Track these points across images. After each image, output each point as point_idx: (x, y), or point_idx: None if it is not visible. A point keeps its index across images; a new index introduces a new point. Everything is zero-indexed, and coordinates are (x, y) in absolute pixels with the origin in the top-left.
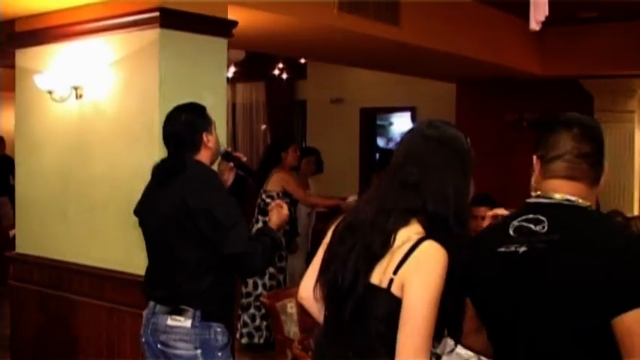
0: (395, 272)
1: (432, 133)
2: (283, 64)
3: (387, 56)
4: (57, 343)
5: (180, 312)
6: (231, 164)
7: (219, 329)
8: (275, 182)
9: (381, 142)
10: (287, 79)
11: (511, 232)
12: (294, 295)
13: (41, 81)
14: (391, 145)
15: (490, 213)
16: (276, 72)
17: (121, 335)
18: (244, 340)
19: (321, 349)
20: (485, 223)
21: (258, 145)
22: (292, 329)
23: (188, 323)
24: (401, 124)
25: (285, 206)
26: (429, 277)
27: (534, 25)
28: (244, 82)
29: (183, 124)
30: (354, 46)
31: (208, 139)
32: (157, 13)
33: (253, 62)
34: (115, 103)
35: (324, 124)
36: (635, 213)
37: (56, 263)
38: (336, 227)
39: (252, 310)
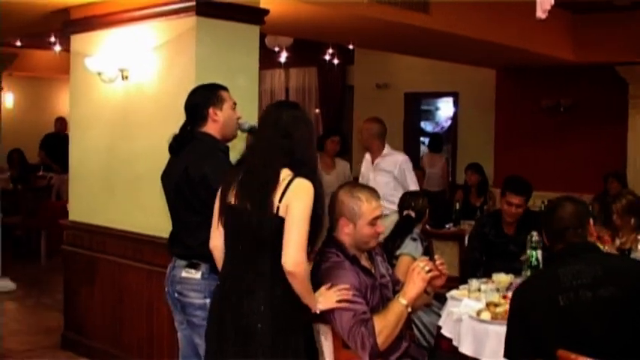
0: (280, 200)
1: (292, 112)
2: (333, 49)
3: (419, 43)
4: (104, 301)
5: (193, 266)
6: None
7: None
8: None
9: (429, 126)
10: (338, 64)
11: None
12: None
13: (91, 63)
14: (438, 129)
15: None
16: (327, 57)
17: (158, 294)
18: None
19: (224, 276)
20: None
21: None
22: None
23: (198, 275)
24: (447, 109)
25: None
26: (304, 198)
27: (540, 13)
28: (297, 67)
29: (194, 100)
30: (387, 33)
31: (216, 114)
32: (193, 3)
33: (305, 48)
34: (157, 84)
35: (370, 109)
36: None
37: (103, 230)
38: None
39: None
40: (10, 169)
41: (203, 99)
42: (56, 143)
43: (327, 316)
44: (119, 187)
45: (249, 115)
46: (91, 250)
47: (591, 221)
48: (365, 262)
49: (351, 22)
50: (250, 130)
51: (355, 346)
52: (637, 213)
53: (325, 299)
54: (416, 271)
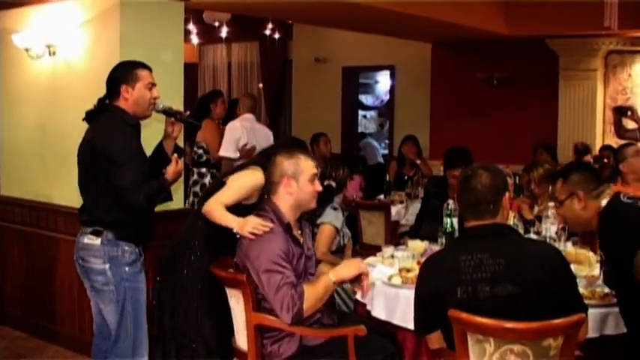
0: None
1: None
2: (273, 24)
3: (356, 18)
4: (36, 275)
5: (95, 233)
6: (172, 119)
7: (127, 248)
8: (200, 133)
9: (369, 99)
10: (279, 38)
11: None
12: None
13: (19, 39)
14: (377, 103)
15: None
16: (268, 32)
17: None
18: None
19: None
20: None
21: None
22: None
23: (98, 242)
24: (386, 82)
25: (180, 161)
26: (245, 178)
27: None
28: (239, 42)
29: (112, 75)
30: (323, 9)
31: (127, 91)
32: None
33: (246, 22)
34: (84, 60)
35: (309, 83)
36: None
37: (35, 204)
38: None
39: None
40: None
41: (119, 75)
42: None
43: (254, 278)
44: (51, 162)
45: (174, 90)
46: (23, 225)
47: (507, 194)
48: (296, 232)
49: None
50: (164, 112)
51: (281, 306)
52: (554, 181)
53: (242, 223)
54: (357, 265)
